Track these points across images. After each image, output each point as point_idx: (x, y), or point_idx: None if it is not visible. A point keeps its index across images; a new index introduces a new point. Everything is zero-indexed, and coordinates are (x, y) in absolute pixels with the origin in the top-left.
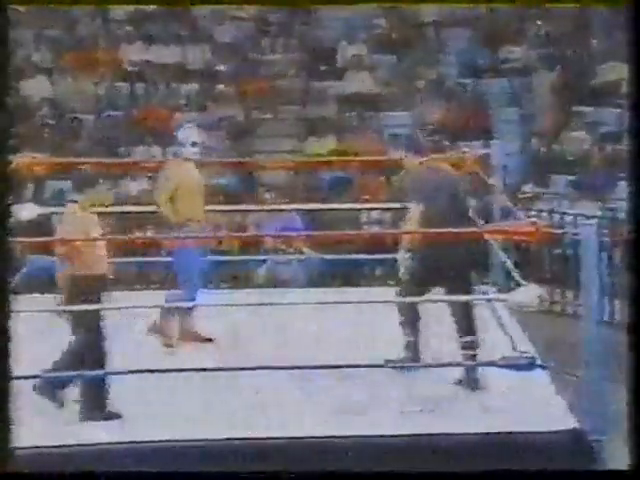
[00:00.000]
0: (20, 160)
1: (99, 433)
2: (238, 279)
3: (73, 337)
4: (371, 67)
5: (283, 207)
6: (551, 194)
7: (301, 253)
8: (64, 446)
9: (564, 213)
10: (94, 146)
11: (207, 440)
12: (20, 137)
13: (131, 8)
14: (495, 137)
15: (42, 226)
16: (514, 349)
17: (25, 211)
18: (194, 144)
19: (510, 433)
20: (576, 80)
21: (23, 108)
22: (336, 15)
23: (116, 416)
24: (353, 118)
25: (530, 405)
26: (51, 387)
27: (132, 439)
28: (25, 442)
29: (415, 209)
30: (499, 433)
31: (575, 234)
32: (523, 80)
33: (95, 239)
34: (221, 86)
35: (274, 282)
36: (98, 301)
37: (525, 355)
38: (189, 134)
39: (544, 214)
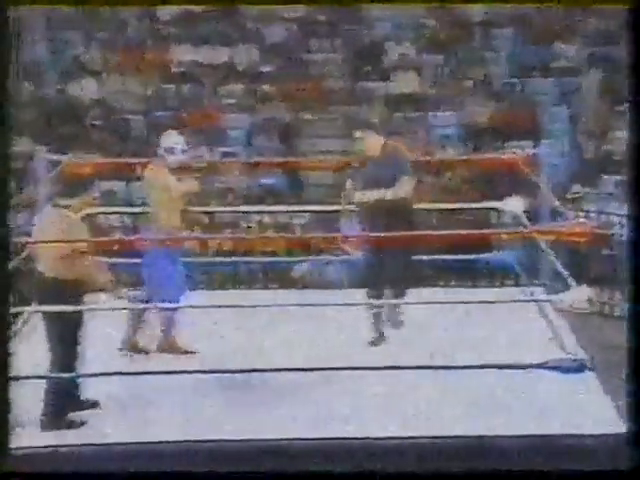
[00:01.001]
0: (69, 161)
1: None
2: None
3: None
4: (418, 67)
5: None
6: (600, 194)
7: (347, 254)
8: (64, 446)
9: (613, 214)
10: (142, 147)
11: (208, 441)
12: (69, 138)
13: (179, 9)
14: (544, 137)
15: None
16: (563, 351)
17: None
18: (183, 151)
19: (558, 436)
20: (626, 79)
21: (72, 109)
22: (383, 15)
23: (79, 424)
24: (400, 118)
25: (579, 408)
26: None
27: (134, 440)
28: (25, 442)
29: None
30: (547, 436)
31: (623, 235)
32: (572, 79)
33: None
34: (268, 86)
35: (314, 283)
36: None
37: (574, 357)
38: (177, 140)
39: (592, 214)
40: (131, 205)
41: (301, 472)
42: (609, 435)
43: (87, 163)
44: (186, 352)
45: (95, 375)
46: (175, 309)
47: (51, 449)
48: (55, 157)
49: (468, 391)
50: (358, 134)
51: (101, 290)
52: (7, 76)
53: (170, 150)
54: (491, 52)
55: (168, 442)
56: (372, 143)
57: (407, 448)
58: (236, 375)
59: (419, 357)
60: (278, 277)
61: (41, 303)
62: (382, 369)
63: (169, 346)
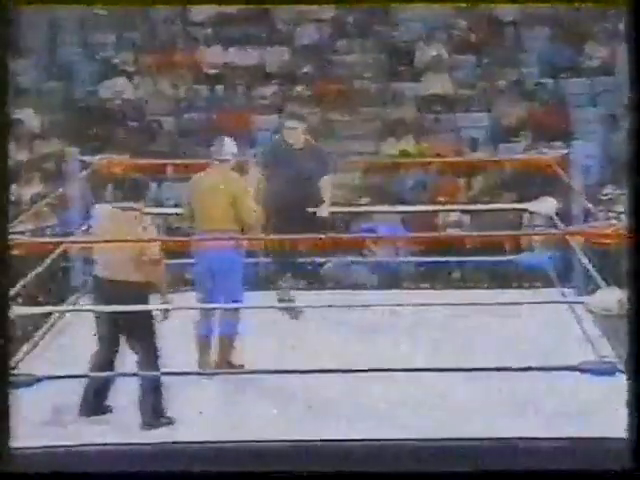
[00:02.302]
0: (100, 161)
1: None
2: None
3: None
4: (450, 68)
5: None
6: None
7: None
8: (64, 446)
9: None
10: (174, 148)
11: (207, 442)
12: (100, 139)
13: (211, 11)
14: (576, 137)
15: None
16: (595, 353)
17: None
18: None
19: (589, 439)
20: None
21: (104, 110)
22: (414, 16)
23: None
24: (431, 119)
25: (610, 411)
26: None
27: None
28: (25, 442)
29: (253, 172)
30: (576, 438)
31: None
32: (605, 79)
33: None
34: (299, 88)
35: (340, 283)
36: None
37: (606, 360)
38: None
39: (623, 216)
40: (162, 205)
41: (301, 472)
42: (609, 438)
43: (119, 164)
44: (240, 366)
45: (125, 375)
46: (237, 315)
47: (51, 449)
48: (87, 158)
49: (502, 393)
50: (292, 124)
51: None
52: (6, 77)
53: (233, 155)
54: (523, 52)
55: (168, 443)
56: (299, 135)
57: (406, 449)
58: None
59: (449, 359)
60: (306, 277)
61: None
62: (411, 371)
63: (223, 362)
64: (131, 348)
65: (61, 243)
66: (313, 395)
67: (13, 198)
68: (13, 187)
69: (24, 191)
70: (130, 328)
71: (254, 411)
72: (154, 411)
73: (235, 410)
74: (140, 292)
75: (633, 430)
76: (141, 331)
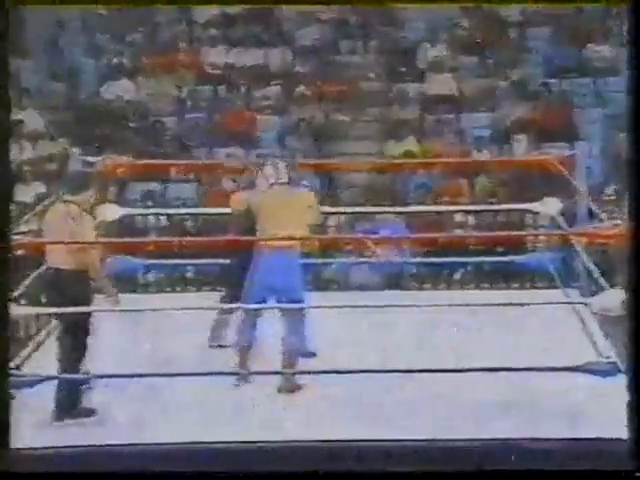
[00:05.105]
0: (103, 162)
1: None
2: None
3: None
4: (453, 68)
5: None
6: None
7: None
8: (64, 446)
9: None
10: (177, 148)
11: (206, 442)
12: (103, 139)
13: (214, 12)
14: (580, 138)
15: (125, 226)
16: (598, 354)
17: (108, 212)
18: None
19: (589, 439)
20: None
21: (106, 111)
22: (417, 16)
23: (90, 412)
24: (434, 120)
25: (613, 412)
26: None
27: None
28: (25, 442)
29: None
30: (577, 438)
31: None
32: (609, 80)
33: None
34: (302, 88)
35: (343, 284)
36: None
37: (609, 361)
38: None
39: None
40: (167, 206)
41: (300, 472)
42: (609, 438)
43: (122, 164)
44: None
45: (104, 376)
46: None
47: (51, 449)
48: (90, 159)
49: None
50: None
51: (100, 292)
52: (7, 77)
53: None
54: (527, 52)
55: (168, 443)
56: None
57: (407, 449)
58: None
59: (452, 359)
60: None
61: (49, 298)
62: (420, 372)
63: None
64: (58, 340)
65: (62, 243)
66: None
67: (16, 199)
68: (16, 188)
69: (27, 191)
70: (66, 321)
71: None
72: (70, 405)
73: None
74: (77, 280)
75: (633, 430)
76: (74, 326)
